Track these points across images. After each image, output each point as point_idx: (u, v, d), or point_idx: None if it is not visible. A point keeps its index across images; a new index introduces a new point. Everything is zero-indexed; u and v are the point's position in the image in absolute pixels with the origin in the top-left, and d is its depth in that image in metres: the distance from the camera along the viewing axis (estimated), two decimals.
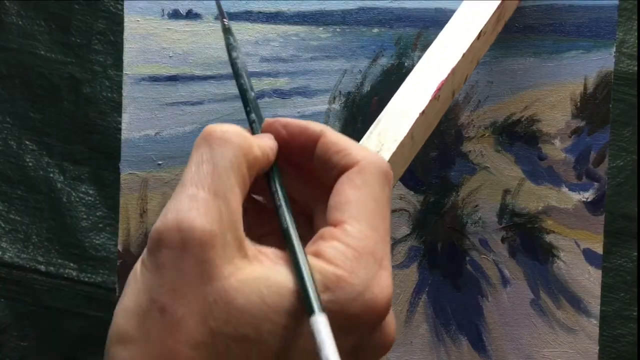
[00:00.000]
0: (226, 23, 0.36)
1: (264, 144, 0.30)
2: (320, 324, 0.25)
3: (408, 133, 0.36)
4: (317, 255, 0.27)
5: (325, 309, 0.26)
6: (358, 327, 0.27)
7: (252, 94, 0.34)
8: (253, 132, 0.33)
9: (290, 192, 0.31)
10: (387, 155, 0.35)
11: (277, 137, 0.32)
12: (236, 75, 0.35)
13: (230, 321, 0.25)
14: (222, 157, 0.28)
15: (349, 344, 0.27)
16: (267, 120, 0.32)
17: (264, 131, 0.32)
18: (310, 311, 0.25)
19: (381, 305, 0.27)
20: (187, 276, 0.26)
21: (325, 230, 0.28)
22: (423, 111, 0.37)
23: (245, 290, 0.26)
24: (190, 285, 0.26)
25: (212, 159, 0.28)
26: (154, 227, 0.27)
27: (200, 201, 0.27)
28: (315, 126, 0.31)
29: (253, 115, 0.33)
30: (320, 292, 0.26)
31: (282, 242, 0.28)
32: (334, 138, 0.31)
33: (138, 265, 0.27)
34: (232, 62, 0.35)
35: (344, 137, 0.31)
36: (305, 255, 0.27)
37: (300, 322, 0.26)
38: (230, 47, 0.35)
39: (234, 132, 0.29)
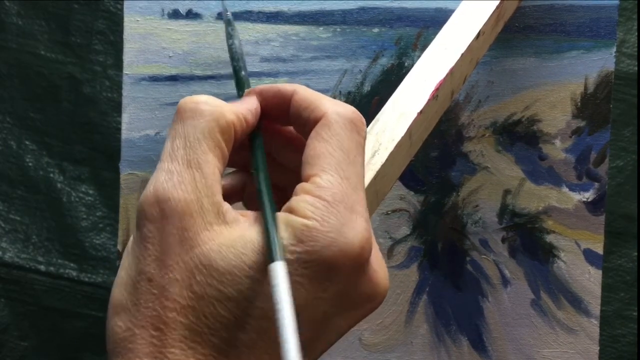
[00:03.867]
0: (229, 15, 0.39)
1: (238, 108, 0.31)
2: (276, 270, 0.25)
3: (406, 133, 0.36)
4: (290, 211, 0.28)
5: (299, 259, 0.27)
6: (338, 272, 0.27)
7: (244, 73, 0.36)
8: None
9: (282, 161, 0.33)
10: (385, 154, 0.35)
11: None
12: (232, 58, 0.37)
13: (212, 283, 0.26)
14: (193, 127, 0.29)
15: (332, 290, 0.28)
16: (246, 91, 0.33)
17: None
18: (269, 261, 0.26)
19: (356, 248, 0.27)
20: (169, 245, 0.27)
21: (298, 186, 0.29)
22: (421, 111, 0.37)
23: (224, 252, 0.27)
24: (172, 253, 0.27)
25: (183, 132, 0.29)
26: (138, 203, 0.28)
27: (174, 173, 0.28)
28: (287, 86, 0.32)
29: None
30: (293, 245, 0.27)
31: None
32: (304, 94, 0.31)
33: (130, 240, 0.29)
34: (229, 46, 0.37)
35: (314, 92, 0.32)
36: (273, 210, 0.28)
37: None
38: (228, 36, 0.37)
39: (204, 101, 0.30)
